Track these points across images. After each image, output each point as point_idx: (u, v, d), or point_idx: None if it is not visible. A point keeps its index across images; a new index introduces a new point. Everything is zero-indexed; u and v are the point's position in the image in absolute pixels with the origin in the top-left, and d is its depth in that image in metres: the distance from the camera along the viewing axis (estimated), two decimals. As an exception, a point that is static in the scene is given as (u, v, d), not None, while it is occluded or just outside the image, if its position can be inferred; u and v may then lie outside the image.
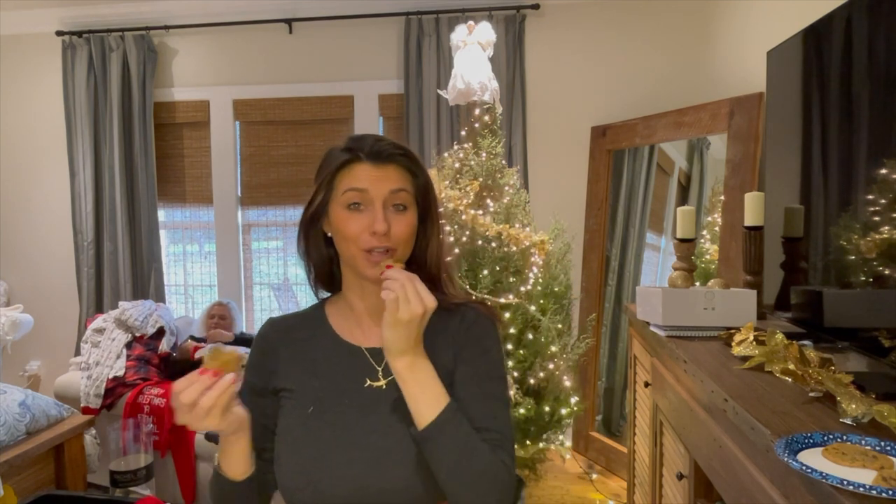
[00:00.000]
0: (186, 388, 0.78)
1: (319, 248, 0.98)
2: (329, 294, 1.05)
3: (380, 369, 0.94)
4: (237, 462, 0.85)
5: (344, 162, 0.91)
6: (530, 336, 2.45)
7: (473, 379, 0.93)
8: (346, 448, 0.88)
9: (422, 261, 0.96)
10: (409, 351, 0.84)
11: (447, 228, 2.52)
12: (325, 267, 1.00)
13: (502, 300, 2.44)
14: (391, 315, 0.82)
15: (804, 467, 0.78)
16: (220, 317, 3.25)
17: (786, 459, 0.81)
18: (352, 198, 0.90)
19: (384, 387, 0.92)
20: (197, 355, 3.02)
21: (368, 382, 0.93)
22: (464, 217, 2.51)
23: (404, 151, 0.93)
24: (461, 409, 0.88)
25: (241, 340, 3.25)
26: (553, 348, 2.48)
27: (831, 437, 0.88)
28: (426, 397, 0.84)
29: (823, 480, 0.75)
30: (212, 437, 2.67)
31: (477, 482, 0.85)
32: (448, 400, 0.86)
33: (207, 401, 0.77)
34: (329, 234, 0.96)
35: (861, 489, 0.72)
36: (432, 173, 2.24)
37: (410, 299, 0.82)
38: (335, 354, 0.95)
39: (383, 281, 0.85)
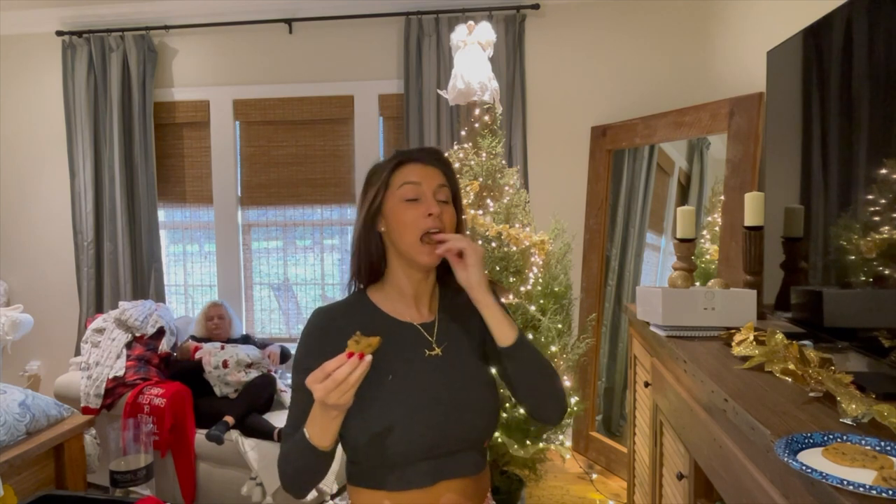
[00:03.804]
0: (339, 367, 0.90)
1: (370, 245, 1.13)
2: (361, 286, 1.20)
3: (433, 340, 1.13)
4: (333, 435, 0.99)
5: (398, 163, 1.11)
6: (530, 336, 2.45)
7: None
8: (428, 405, 1.05)
9: None
10: (488, 286, 1.08)
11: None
12: (376, 261, 1.15)
13: (502, 300, 2.44)
14: (473, 257, 1.06)
15: (804, 467, 0.78)
16: (218, 317, 3.24)
17: (786, 459, 0.81)
18: (408, 191, 1.08)
19: (441, 353, 1.12)
20: (197, 355, 3.02)
21: (427, 353, 1.11)
22: (464, 217, 2.51)
23: (443, 159, 1.15)
24: None
25: (244, 341, 3.25)
26: (553, 348, 2.48)
27: (831, 437, 0.88)
28: (508, 320, 1.08)
29: (823, 480, 0.75)
30: (213, 438, 2.67)
31: (551, 392, 1.12)
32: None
33: (355, 378, 0.90)
34: (381, 231, 1.12)
35: (861, 489, 0.72)
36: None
37: (474, 244, 1.07)
38: (393, 332, 1.10)
39: (438, 243, 1.06)
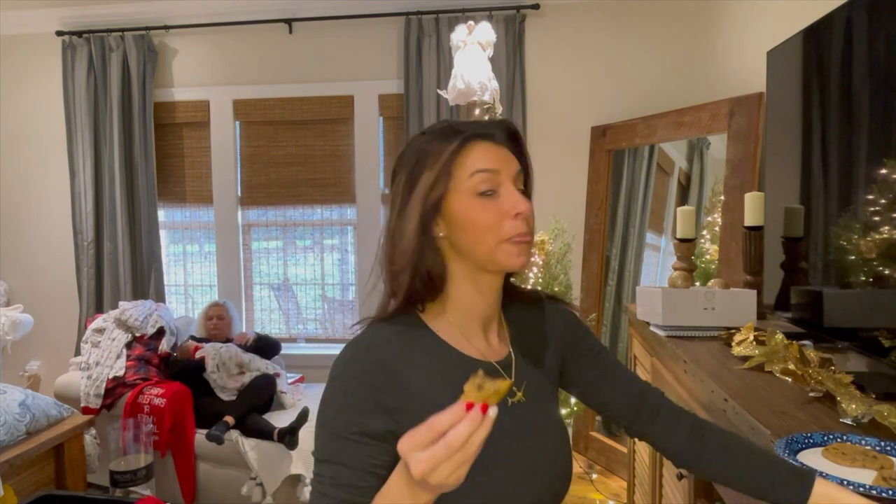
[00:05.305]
0: (456, 427, 0.58)
1: (428, 254, 0.81)
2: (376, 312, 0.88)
3: (512, 381, 0.83)
4: None
5: (461, 144, 0.79)
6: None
7: (603, 350, 0.97)
8: (527, 475, 0.81)
9: None
10: None
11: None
12: (439, 274, 0.82)
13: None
14: None
15: (804, 467, 0.78)
16: (217, 317, 3.24)
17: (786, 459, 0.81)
18: (482, 180, 0.78)
19: (524, 399, 0.86)
20: (198, 355, 3.02)
21: (510, 400, 0.84)
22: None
23: (515, 132, 0.85)
24: (617, 373, 0.94)
25: (257, 338, 3.24)
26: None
27: (831, 437, 0.88)
28: None
29: (823, 480, 0.75)
30: (213, 438, 2.67)
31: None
32: None
33: (478, 441, 0.59)
34: (438, 235, 0.82)
35: (861, 489, 0.72)
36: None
37: None
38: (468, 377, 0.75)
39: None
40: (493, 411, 0.60)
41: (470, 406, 0.59)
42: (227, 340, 3.18)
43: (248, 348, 3.13)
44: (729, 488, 0.85)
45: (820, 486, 0.75)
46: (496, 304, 0.87)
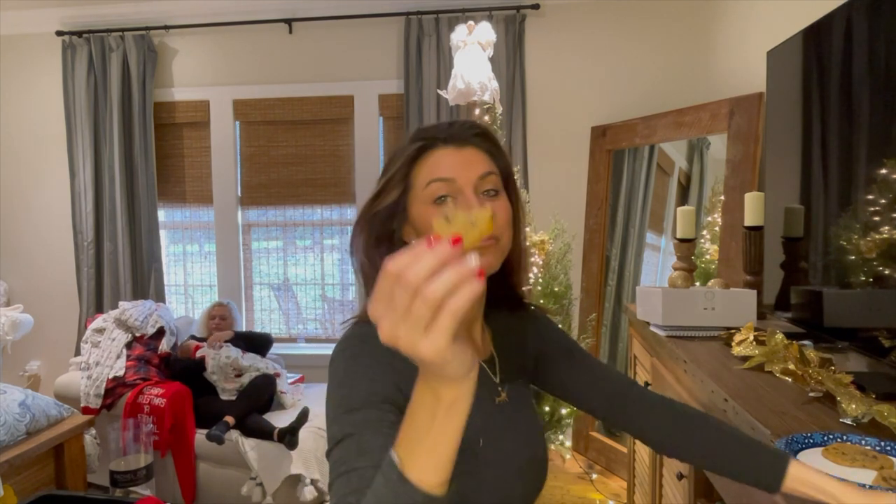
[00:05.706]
0: (412, 265, 0.44)
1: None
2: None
3: (497, 381, 0.88)
4: (447, 453, 0.50)
5: (418, 151, 0.80)
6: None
7: (574, 346, 1.00)
8: (518, 474, 0.84)
9: (516, 256, 0.86)
10: None
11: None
12: None
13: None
14: None
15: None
16: (220, 317, 3.24)
17: (786, 459, 0.81)
18: (437, 190, 0.78)
19: (507, 400, 0.88)
20: (198, 354, 3.02)
21: (496, 399, 0.87)
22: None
23: (483, 131, 0.84)
24: (588, 366, 0.97)
25: (244, 337, 3.24)
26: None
27: (831, 437, 0.88)
28: None
29: (823, 480, 0.75)
30: (213, 438, 2.67)
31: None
32: None
33: (444, 285, 0.43)
34: (410, 242, 0.81)
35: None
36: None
37: None
38: None
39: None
40: (472, 260, 0.45)
41: (436, 240, 0.45)
42: (227, 341, 3.19)
43: (242, 348, 3.13)
44: (707, 471, 0.87)
45: (794, 469, 0.78)
46: (477, 308, 0.87)
